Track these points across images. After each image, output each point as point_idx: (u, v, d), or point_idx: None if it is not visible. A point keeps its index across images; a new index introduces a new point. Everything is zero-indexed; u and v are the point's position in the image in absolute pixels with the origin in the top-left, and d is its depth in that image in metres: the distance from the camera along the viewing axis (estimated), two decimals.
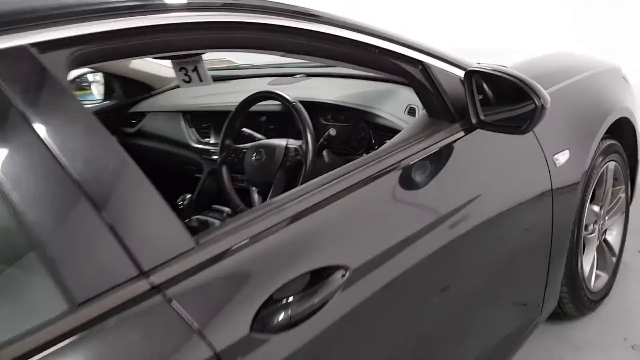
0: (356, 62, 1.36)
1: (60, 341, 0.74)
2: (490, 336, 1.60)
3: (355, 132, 1.77)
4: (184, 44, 1.07)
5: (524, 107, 1.35)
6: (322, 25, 1.20)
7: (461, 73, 1.47)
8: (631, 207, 2.44)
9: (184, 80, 1.59)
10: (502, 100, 1.40)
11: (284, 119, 1.91)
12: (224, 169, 1.99)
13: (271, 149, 1.77)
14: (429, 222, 1.26)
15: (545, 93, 1.33)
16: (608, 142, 2.06)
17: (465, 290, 1.39)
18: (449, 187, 1.37)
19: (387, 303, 1.15)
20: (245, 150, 1.87)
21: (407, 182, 1.28)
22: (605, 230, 2.28)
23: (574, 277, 1.99)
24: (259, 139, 1.93)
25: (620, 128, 2.19)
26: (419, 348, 1.29)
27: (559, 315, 2.15)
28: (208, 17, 1.04)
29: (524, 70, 1.47)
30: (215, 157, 2.17)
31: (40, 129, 0.80)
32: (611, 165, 2.13)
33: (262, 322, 0.91)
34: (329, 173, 1.17)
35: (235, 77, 2.43)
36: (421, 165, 1.32)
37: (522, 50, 2.31)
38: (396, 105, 1.72)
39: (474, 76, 1.41)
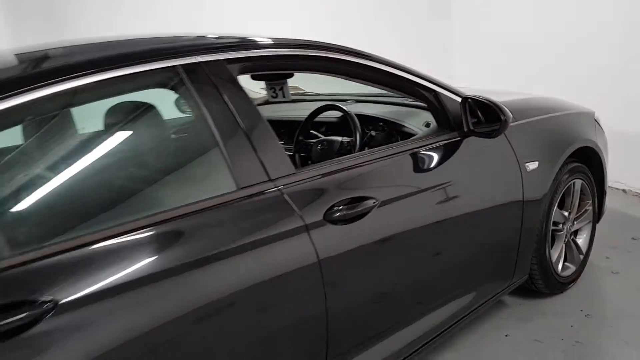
0: (393, 87, 2.18)
1: (230, 205, 1.55)
2: (474, 283, 2.34)
3: (388, 136, 2.55)
4: (293, 67, 1.92)
5: (496, 122, 2.14)
6: (373, 62, 2.03)
7: (459, 99, 2.26)
8: (609, 224, 3.14)
9: (272, 96, 2.46)
10: (486, 117, 2.18)
11: (338, 127, 2.71)
12: (297, 157, 2.78)
13: (331, 142, 2.56)
14: (431, 186, 2.04)
15: (509, 112, 2.13)
16: (575, 164, 2.80)
17: (456, 250, 2.16)
18: (446, 170, 2.15)
19: (400, 227, 1.92)
20: (312, 144, 2.67)
21: (420, 162, 2.08)
22: (576, 232, 2.99)
23: (542, 259, 2.70)
24: (322, 137, 2.73)
25: (589, 156, 2.93)
26: (416, 274, 2.05)
27: (535, 293, 2.85)
28: (306, 52, 1.89)
29: (516, 105, 2.29)
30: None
31: (229, 99, 1.63)
32: (578, 182, 2.86)
33: (329, 216, 1.70)
34: (372, 149, 1.99)
35: (302, 100, 3.27)
36: (430, 154, 2.11)
37: (520, 92, 3.09)
38: (417, 120, 2.51)
39: (467, 101, 2.20)
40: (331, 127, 2.81)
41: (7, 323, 1.16)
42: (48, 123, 1.61)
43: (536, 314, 2.75)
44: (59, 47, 1.74)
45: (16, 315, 1.17)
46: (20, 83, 1.35)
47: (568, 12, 4.57)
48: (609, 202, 3.29)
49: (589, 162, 2.95)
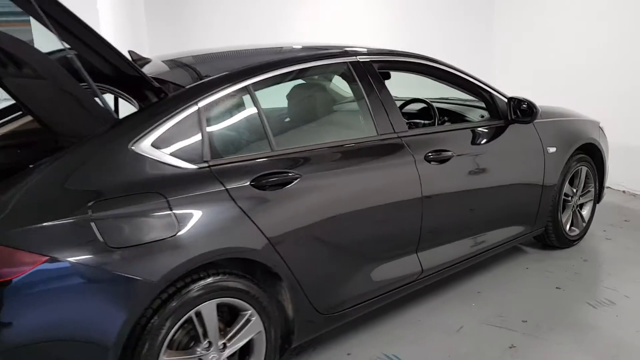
0: (465, 88, 3.35)
1: (373, 142, 2.75)
2: (509, 222, 3.48)
3: (454, 123, 3.71)
4: (403, 69, 3.10)
5: (528, 114, 3.30)
6: (454, 70, 3.21)
7: (504, 98, 3.42)
8: (608, 211, 4.27)
9: None
10: (523, 111, 3.34)
11: (417, 117, 3.87)
12: None
13: (416, 124, 3.71)
14: (485, 151, 3.19)
15: (539, 109, 3.28)
16: (582, 155, 3.93)
17: (500, 197, 3.31)
18: (496, 144, 3.30)
19: (467, 173, 3.08)
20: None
21: (479, 136, 3.23)
22: (581, 206, 4.11)
23: (555, 219, 3.82)
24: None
25: (593, 152, 4.06)
26: (463, 222, 3.18)
27: (548, 247, 3.97)
28: (412, 59, 3.07)
29: (543, 108, 3.47)
30: None
31: (374, 82, 2.81)
32: (584, 169, 3.99)
33: (427, 157, 2.88)
34: (449, 124, 3.16)
35: None
36: (486, 131, 3.27)
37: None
38: (473, 113, 3.67)
39: (511, 100, 3.37)
40: (412, 117, 3.98)
41: (278, 180, 2.33)
42: (290, 89, 2.83)
43: (548, 258, 3.88)
44: (281, 47, 2.94)
45: (282, 176, 2.35)
46: (271, 66, 2.55)
47: (610, 27, 5.54)
48: (611, 200, 4.41)
49: (593, 157, 4.07)
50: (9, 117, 2.97)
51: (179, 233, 2.03)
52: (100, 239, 1.88)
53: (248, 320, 2.28)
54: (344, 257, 2.60)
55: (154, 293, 1.98)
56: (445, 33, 6.70)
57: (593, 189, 4.15)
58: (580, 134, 3.94)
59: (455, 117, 3.68)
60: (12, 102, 2.81)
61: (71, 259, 1.83)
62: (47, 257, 1.79)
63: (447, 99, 4.02)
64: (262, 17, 5.96)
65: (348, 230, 2.58)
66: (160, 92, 2.23)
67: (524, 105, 3.36)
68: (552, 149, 3.65)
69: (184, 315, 2.08)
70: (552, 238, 3.92)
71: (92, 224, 1.88)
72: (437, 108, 3.71)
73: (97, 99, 2.16)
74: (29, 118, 2.98)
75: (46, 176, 1.94)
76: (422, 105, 3.75)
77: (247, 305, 2.26)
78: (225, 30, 5.70)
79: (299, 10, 6.31)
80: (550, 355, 2.76)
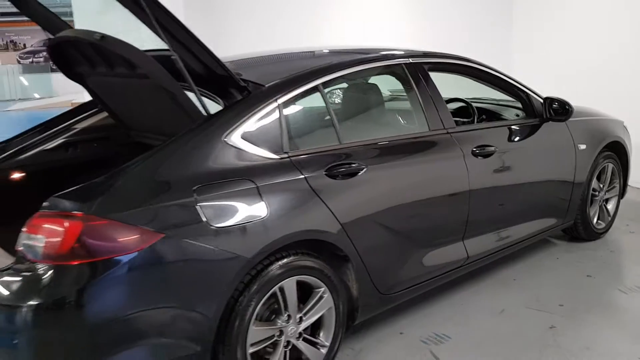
0: (503, 88, 3.58)
1: (425, 138, 3.00)
2: (544, 214, 3.71)
3: (491, 121, 3.95)
4: (447, 70, 3.33)
5: (563, 112, 3.53)
6: (495, 71, 3.44)
7: (539, 98, 3.66)
8: (631, 207, 4.51)
9: None
10: (556, 110, 3.57)
11: (457, 115, 4.09)
12: None
13: (456, 121, 3.95)
14: (523, 147, 3.43)
15: (573, 107, 3.52)
16: (608, 152, 4.17)
17: (536, 191, 3.54)
18: (532, 140, 3.54)
19: (508, 167, 3.32)
20: None
21: (516, 133, 3.47)
22: (607, 200, 4.34)
23: (584, 213, 4.05)
24: None
25: (619, 150, 4.30)
26: (499, 211, 3.41)
27: (576, 240, 4.20)
28: (456, 61, 3.31)
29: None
30: None
31: (425, 82, 3.06)
32: (609, 166, 4.22)
33: (474, 152, 3.12)
34: (489, 122, 3.40)
35: None
36: (522, 129, 3.51)
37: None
38: (508, 112, 3.90)
39: (546, 99, 3.61)
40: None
41: (347, 170, 2.57)
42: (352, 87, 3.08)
43: (576, 249, 4.12)
44: (337, 49, 3.18)
45: (350, 167, 2.58)
46: (339, 67, 2.79)
47: (630, 30, 5.75)
48: (633, 197, 4.62)
49: (618, 154, 4.30)
50: (85, 114, 3.22)
51: (268, 215, 2.27)
52: (204, 219, 2.12)
53: (321, 297, 2.52)
54: (402, 242, 2.83)
55: (247, 268, 2.23)
56: (464, 34, 6.94)
57: (618, 185, 4.38)
58: (608, 132, 4.17)
59: (491, 116, 3.92)
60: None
61: (181, 236, 2.07)
62: (162, 234, 2.03)
63: (479, 98, 4.25)
64: (293, 18, 6.24)
65: (406, 218, 2.82)
66: (244, 90, 2.47)
67: (558, 105, 3.59)
68: (583, 146, 3.88)
69: (270, 290, 2.32)
70: (580, 230, 4.15)
71: (197, 206, 2.13)
72: (482, 108, 3.94)
73: (189, 97, 2.38)
74: (102, 115, 3.23)
75: (153, 164, 2.17)
76: (459, 104, 3.99)
77: (321, 283, 2.49)
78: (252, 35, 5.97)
79: (325, 12, 6.58)
80: (588, 334, 2.99)
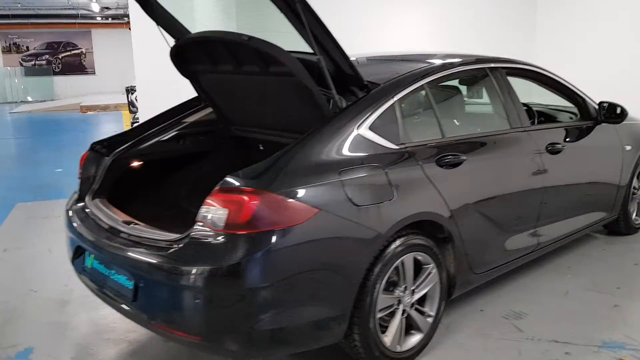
0: (563, 93, 3.94)
1: (509, 134, 3.36)
2: (594, 208, 4.07)
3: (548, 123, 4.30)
4: (519, 75, 3.69)
5: (620, 115, 3.90)
6: (556, 76, 3.81)
7: (593, 102, 4.03)
8: None
9: (470, 96, 4.21)
10: (610, 113, 3.94)
11: None
12: None
13: None
14: (580, 146, 3.79)
15: (627, 111, 3.89)
16: None
17: (588, 187, 3.90)
18: (588, 139, 3.90)
19: (572, 163, 3.68)
20: None
21: (574, 132, 3.83)
22: None
23: (625, 208, 4.43)
24: None
25: None
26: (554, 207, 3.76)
27: (616, 234, 4.57)
28: (517, 65, 3.66)
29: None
30: None
31: (505, 85, 3.41)
32: None
33: (547, 148, 3.47)
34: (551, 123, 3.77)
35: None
36: (579, 130, 3.87)
37: None
38: (563, 116, 4.26)
39: (601, 103, 3.98)
40: None
41: (451, 160, 2.90)
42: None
43: (618, 242, 4.50)
44: (430, 53, 3.51)
45: (455, 158, 2.91)
46: (442, 68, 3.13)
47: None
48: None
49: None
50: (192, 109, 3.52)
51: (395, 197, 2.60)
52: (349, 197, 2.44)
53: (429, 273, 2.84)
54: (491, 227, 3.17)
55: (381, 242, 2.55)
56: (487, 40, 7.33)
57: None
58: None
59: (547, 118, 4.28)
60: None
61: (332, 212, 2.39)
62: (318, 210, 2.35)
63: (530, 103, 4.61)
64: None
65: (496, 206, 3.16)
66: (365, 88, 2.79)
67: (612, 108, 3.95)
68: (628, 147, 4.26)
69: (395, 263, 2.64)
70: (621, 225, 4.51)
71: (343, 187, 2.44)
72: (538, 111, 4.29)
73: (322, 94, 2.68)
74: (206, 110, 3.53)
75: (306, 150, 2.47)
76: None
77: (430, 260, 2.82)
78: None
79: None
80: None
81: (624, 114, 3.94)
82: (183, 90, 5.89)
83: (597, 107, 4.04)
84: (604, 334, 3.08)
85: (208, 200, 2.30)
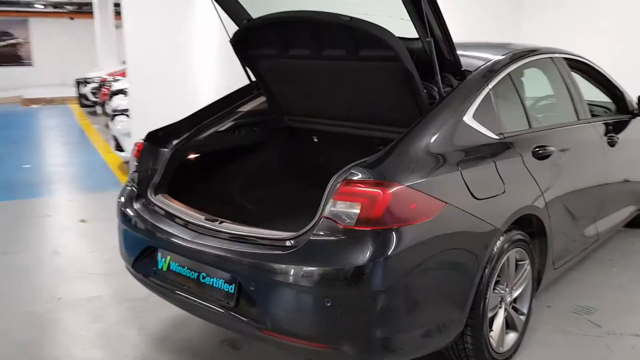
0: (604, 86, 3.92)
1: (579, 125, 3.32)
2: (631, 203, 4.08)
3: None
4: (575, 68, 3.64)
5: None
6: (600, 69, 3.78)
7: (631, 97, 4.04)
8: None
9: None
10: None
11: None
12: None
13: None
14: (619, 138, 3.76)
15: None
16: None
17: (628, 182, 3.90)
18: (630, 134, 3.90)
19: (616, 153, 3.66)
20: None
21: (613, 125, 3.78)
22: None
23: None
24: None
25: None
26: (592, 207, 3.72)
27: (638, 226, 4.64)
28: (573, 56, 3.60)
29: None
30: None
31: (567, 73, 3.34)
32: None
33: (607, 140, 3.43)
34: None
35: None
36: (617, 122, 3.84)
37: None
38: (601, 109, 4.26)
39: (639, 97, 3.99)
40: None
41: (544, 152, 2.79)
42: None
43: None
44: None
45: (546, 149, 2.81)
46: (526, 54, 3.01)
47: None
48: None
49: None
50: (245, 98, 3.26)
51: (504, 191, 2.46)
52: (470, 190, 2.28)
53: (525, 269, 2.72)
54: (571, 220, 3.10)
55: (497, 237, 2.40)
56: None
57: None
58: None
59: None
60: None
61: (456, 205, 2.22)
62: (444, 204, 2.17)
63: None
64: None
65: (574, 199, 3.08)
66: (462, 75, 2.63)
67: None
68: None
69: (503, 259, 2.50)
70: None
71: (463, 178, 2.28)
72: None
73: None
74: (259, 100, 3.28)
75: (416, 141, 2.28)
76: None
77: (526, 256, 2.70)
78: None
79: None
80: None
81: None
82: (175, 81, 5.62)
83: (637, 100, 4.04)
84: None
85: (334, 195, 2.08)
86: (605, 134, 3.51)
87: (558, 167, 2.91)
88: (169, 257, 2.49)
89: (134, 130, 5.83)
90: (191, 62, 5.73)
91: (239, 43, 2.96)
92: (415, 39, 2.51)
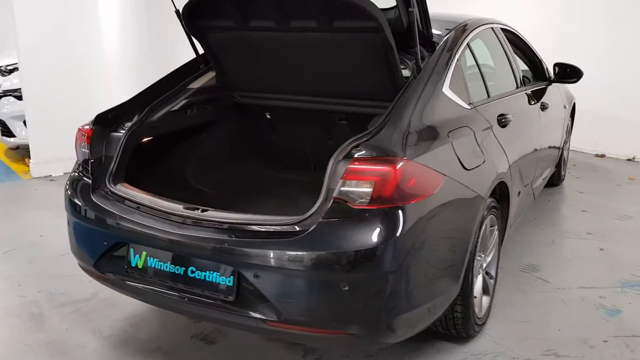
0: (523, 52, 4.13)
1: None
2: (549, 165, 4.38)
3: None
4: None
5: (576, 74, 4.17)
6: (518, 32, 3.97)
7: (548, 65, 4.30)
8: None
9: None
10: (565, 75, 4.21)
11: None
12: None
13: None
14: (549, 104, 4.02)
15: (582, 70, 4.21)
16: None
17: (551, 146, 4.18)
18: (551, 100, 4.13)
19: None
20: None
21: (543, 94, 4.02)
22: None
23: (560, 162, 4.84)
24: None
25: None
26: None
27: (550, 185, 5.00)
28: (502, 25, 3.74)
29: None
30: None
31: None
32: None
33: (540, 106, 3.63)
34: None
35: None
36: (544, 91, 4.07)
37: None
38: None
39: (557, 64, 4.24)
40: None
41: (505, 120, 2.88)
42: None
43: (554, 192, 4.93)
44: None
45: (505, 118, 2.90)
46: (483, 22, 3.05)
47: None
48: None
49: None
50: (195, 74, 3.04)
51: (484, 160, 2.51)
52: (460, 161, 2.29)
53: (494, 234, 2.81)
54: (521, 184, 3.22)
55: (484, 207, 2.45)
56: None
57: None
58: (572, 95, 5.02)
59: None
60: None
61: (452, 177, 2.22)
62: (444, 177, 2.17)
63: None
64: None
65: (524, 162, 3.22)
66: (433, 47, 2.62)
67: (570, 69, 4.21)
68: (566, 106, 4.65)
69: (483, 225, 2.55)
70: (555, 178, 4.91)
71: (455, 150, 2.29)
72: None
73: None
74: (209, 76, 3.08)
75: (409, 114, 2.23)
76: None
77: (495, 222, 2.78)
78: None
79: None
80: None
81: (580, 73, 4.24)
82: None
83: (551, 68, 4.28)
84: (614, 276, 3.35)
85: (345, 174, 1.97)
86: (537, 100, 3.70)
87: (513, 134, 3.02)
88: (144, 253, 2.25)
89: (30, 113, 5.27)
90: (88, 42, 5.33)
91: (189, 12, 2.71)
92: (391, 8, 2.45)
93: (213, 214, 2.18)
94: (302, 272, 1.97)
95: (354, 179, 1.97)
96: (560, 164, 4.86)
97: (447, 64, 2.58)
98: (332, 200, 1.98)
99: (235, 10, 2.63)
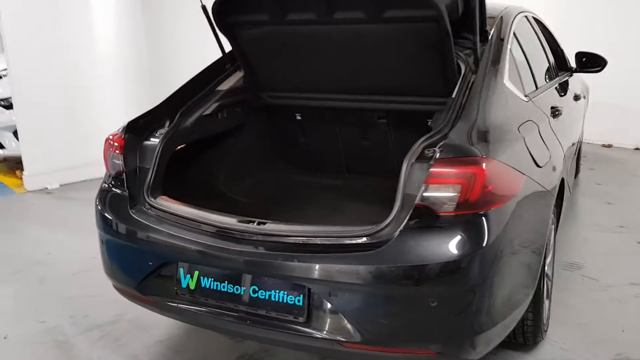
0: (547, 42, 4.01)
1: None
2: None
3: None
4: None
5: (601, 64, 4.05)
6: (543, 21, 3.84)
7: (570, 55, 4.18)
8: None
9: None
10: (588, 64, 4.09)
11: None
12: None
13: None
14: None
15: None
16: None
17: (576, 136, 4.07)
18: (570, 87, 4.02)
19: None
20: None
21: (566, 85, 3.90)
22: None
23: (579, 155, 4.74)
24: None
25: None
26: None
27: None
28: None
29: None
30: None
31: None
32: None
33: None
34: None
35: None
36: (567, 81, 3.95)
37: None
38: None
39: (578, 55, 4.12)
40: None
41: (558, 111, 2.73)
42: None
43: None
44: None
45: (558, 110, 2.75)
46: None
47: None
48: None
49: None
50: (223, 75, 2.84)
51: (550, 155, 2.36)
52: (533, 158, 2.13)
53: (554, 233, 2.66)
54: (569, 178, 3.09)
55: (553, 204, 2.30)
56: None
57: None
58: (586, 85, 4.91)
59: None
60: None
61: (531, 177, 2.06)
62: (524, 177, 2.00)
63: None
64: None
65: (569, 156, 3.08)
66: (486, 36, 2.45)
67: (592, 58, 4.08)
68: (583, 98, 4.54)
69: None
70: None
71: (527, 146, 2.12)
72: None
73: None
74: (237, 76, 2.87)
75: (480, 110, 2.06)
76: None
77: (554, 219, 2.62)
78: None
79: None
80: None
81: (605, 61, 4.12)
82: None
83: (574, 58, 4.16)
84: None
85: (428, 178, 1.79)
86: (568, 91, 3.57)
87: (563, 126, 2.88)
88: (196, 272, 2.04)
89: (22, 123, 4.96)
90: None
91: (220, 7, 2.49)
92: None
93: (274, 227, 1.98)
94: (384, 287, 1.78)
95: (438, 183, 1.79)
96: (578, 156, 4.75)
97: (504, 54, 2.42)
98: (412, 208, 1.79)
99: (271, 3, 2.42)
